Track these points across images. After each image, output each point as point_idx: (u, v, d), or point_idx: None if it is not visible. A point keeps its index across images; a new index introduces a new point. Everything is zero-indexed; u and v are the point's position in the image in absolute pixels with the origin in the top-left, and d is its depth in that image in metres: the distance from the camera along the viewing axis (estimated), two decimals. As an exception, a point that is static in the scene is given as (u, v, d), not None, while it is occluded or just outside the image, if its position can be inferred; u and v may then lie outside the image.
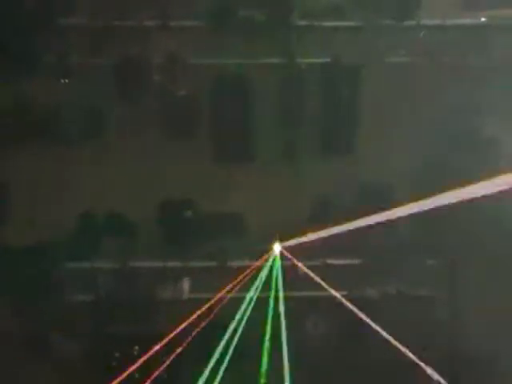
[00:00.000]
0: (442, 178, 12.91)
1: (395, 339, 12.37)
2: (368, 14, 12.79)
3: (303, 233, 12.72)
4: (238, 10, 13.03)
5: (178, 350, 12.36)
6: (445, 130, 13.00)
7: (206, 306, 12.59)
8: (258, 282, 12.70)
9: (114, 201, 12.74)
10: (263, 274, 12.76)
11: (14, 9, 13.07)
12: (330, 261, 12.86)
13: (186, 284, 12.72)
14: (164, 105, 13.18)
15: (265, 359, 12.37)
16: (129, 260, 12.76)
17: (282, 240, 12.54)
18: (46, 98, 12.77)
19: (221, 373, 12.36)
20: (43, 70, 12.78)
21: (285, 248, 12.57)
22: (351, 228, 12.65)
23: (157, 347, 12.32)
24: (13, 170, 12.79)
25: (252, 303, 12.58)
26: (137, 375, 12.22)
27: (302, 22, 13.00)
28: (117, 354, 12.24)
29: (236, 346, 12.53)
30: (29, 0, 13.22)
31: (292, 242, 12.64)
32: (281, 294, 12.77)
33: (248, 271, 12.70)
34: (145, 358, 12.25)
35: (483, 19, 12.82)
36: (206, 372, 12.36)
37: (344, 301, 12.57)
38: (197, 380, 12.33)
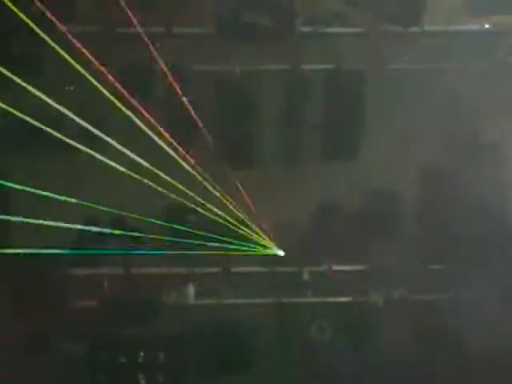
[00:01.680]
0: (446, 182, 12.99)
1: (400, 344, 12.43)
2: (372, 20, 12.81)
3: (307, 238, 12.80)
4: (241, 17, 13.05)
5: (184, 356, 12.42)
6: (449, 135, 13.03)
7: (211, 311, 12.67)
8: (263, 288, 12.73)
9: (118, 206, 12.73)
10: (267, 279, 12.79)
11: (17, 15, 13.06)
12: (334, 266, 12.89)
13: (190, 289, 12.73)
14: (168, 111, 13.19)
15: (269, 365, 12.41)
16: (133, 265, 12.75)
17: (286, 246, 12.57)
18: (51, 103, 12.77)
19: (225, 379, 12.42)
20: (47, 77, 12.81)
21: (289, 253, 12.59)
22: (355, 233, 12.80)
23: (162, 353, 12.39)
24: (17, 175, 12.78)
25: (256, 309, 12.62)
26: (142, 381, 12.28)
27: (306, 28, 13.02)
28: (122, 360, 12.25)
29: (240, 351, 12.58)
30: (32, 6, 13.20)
31: (296, 248, 12.69)
32: (285, 300, 12.81)
33: (252, 277, 12.76)
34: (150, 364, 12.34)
35: (487, 26, 12.86)
36: (210, 378, 12.43)
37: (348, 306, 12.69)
38: (201, 386, 12.41)
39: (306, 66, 13.01)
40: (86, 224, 12.72)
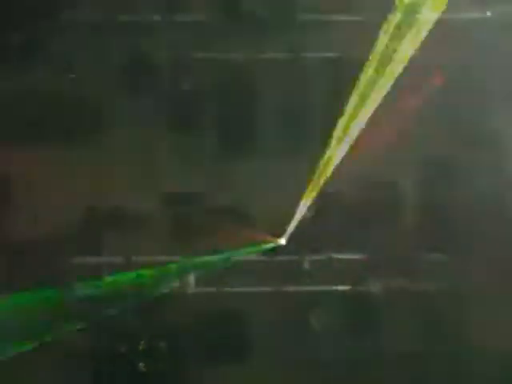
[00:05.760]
0: (448, 174, 13.00)
1: (399, 334, 12.49)
2: (374, 8, 12.74)
3: (308, 227, 12.81)
4: (243, 4, 13.02)
5: (184, 344, 12.48)
6: (450, 125, 13.02)
7: (211, 300, 12.70)
8: (263, 276, 12.75)
9: (119, 195, 12.75)
10: (268, 268, 12.82)
11: (18, 3, 13.03)
12: (334, 255, 12.91)
13: (191, 278, 12.76)
14: (168, 99, 13.17)
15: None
16: (133, 254, 12.77)
17: (286, 234, 12.60)
18: (53, 92, 12.78)
19: (225, 367, 12.47)
20: (49, 65, 12.79)
21: (290, 242, 12.62)
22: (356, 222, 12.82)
23: (163, 341, 12.44)
24: (16, 165, 12.79)
25: (257, 297, 12.65)
26: (143, 369, 12.33)
27: (308, 17, 12.98)
28: (122, 349, 12.29)
29: (240, 339, 12.62)
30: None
31: (297, 236, 12.71)
32: (285, 289, 12.84)
33: (253, 265, 12.78)
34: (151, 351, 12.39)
35: (488, 14, 12.82)
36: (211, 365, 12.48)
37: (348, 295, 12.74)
38: (202, 374, 12.44)
39: (308, 54, 12.99)
40: (85, 213, 12.78)
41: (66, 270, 12.48)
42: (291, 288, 12.86)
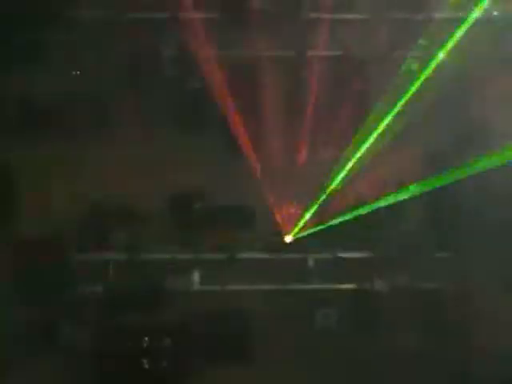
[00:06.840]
0: (452, 172, 12.96)
1: (405, 332, 12.45)
2: (380, 6, 12.78)
3: (314, 225, 12.80)
4: (249, 3, 13.05)
5: (188, 342, 12.46)
6: (456, 123, 13.00)
7: (216, 298, 12.68)
8: (269, 275, 12.74)
9: (126, 192, 12.76)
10: (273, 266, 12.80)
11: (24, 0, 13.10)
12: (340, 253, 12.88)
13: (196, 276, 12.75)
14: (176, 97, 13.20)
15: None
16: (139, 252, 12.77)
17: (292, 232, 12.60)
18: (58, 89, 12.83)
19: (229, 364, 12.44)
20: (55, 62, 12.84)
21: (295, 240, 12.62)
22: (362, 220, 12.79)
23: (166, 339, 12.42)
24: (24, 162, 12.82)
25: (262, 295, 12.63)
26: (146, 366, 12.31)
27: (313, 15, 13.00)
28: (126, 345, 12.27)
29: (244, 337, 12.60)
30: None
31: (303, 235, 12.70)
32: (291, 287, 12.83)
33: (257, 263, 12.77)
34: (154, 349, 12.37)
35: (495, 13, 12.81)
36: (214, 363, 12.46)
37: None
38: (206, 371, 12.42)
39: (313, 53, 13.01)
40: (91, 211, 12.79)
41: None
42: (296, 286, 12.84)
